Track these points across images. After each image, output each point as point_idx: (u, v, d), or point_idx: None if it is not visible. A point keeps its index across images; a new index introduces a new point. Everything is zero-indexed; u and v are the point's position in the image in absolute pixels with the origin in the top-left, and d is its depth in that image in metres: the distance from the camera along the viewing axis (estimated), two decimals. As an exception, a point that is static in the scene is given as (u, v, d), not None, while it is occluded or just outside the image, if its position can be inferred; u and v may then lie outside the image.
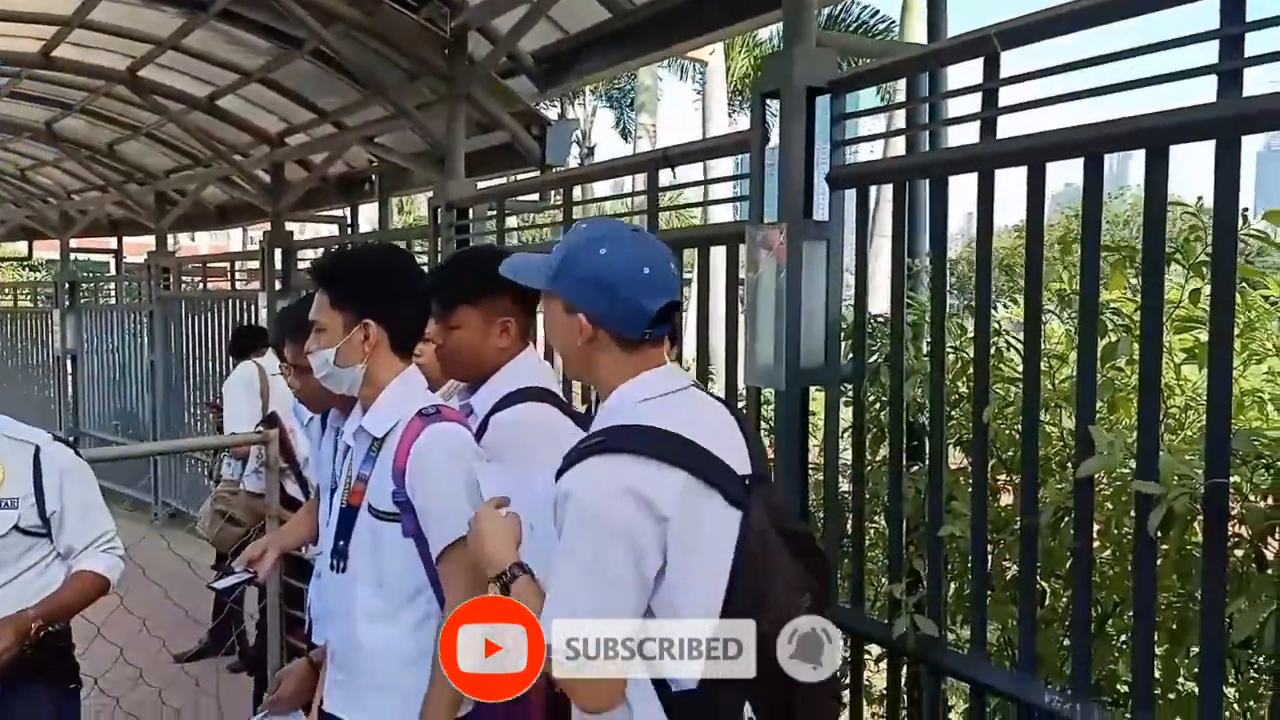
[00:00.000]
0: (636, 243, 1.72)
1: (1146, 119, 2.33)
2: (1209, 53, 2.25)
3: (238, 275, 9.38)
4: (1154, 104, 2.36)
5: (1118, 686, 2.86)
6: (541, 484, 1.75)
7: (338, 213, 10.15)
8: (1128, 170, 27.15)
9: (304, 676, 2.45)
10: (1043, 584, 2.81)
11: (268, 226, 8.84)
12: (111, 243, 14.30)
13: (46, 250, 17.55)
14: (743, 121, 18.26)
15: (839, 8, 14.56)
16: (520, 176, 7.15)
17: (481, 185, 5.92)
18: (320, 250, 8.03)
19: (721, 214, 4.77)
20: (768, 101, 3.23)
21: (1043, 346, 2.68)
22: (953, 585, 3.06)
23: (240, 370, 4.81)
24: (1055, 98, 2.56)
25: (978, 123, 2.75)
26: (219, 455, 4.40)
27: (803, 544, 1.72)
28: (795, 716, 1.66)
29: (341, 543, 2.09)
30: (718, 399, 1.87)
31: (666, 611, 1.58)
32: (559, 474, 1.61)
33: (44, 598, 2.35)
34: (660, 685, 1.59)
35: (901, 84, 3.42)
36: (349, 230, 9.80)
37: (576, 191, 4.54)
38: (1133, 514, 2.48)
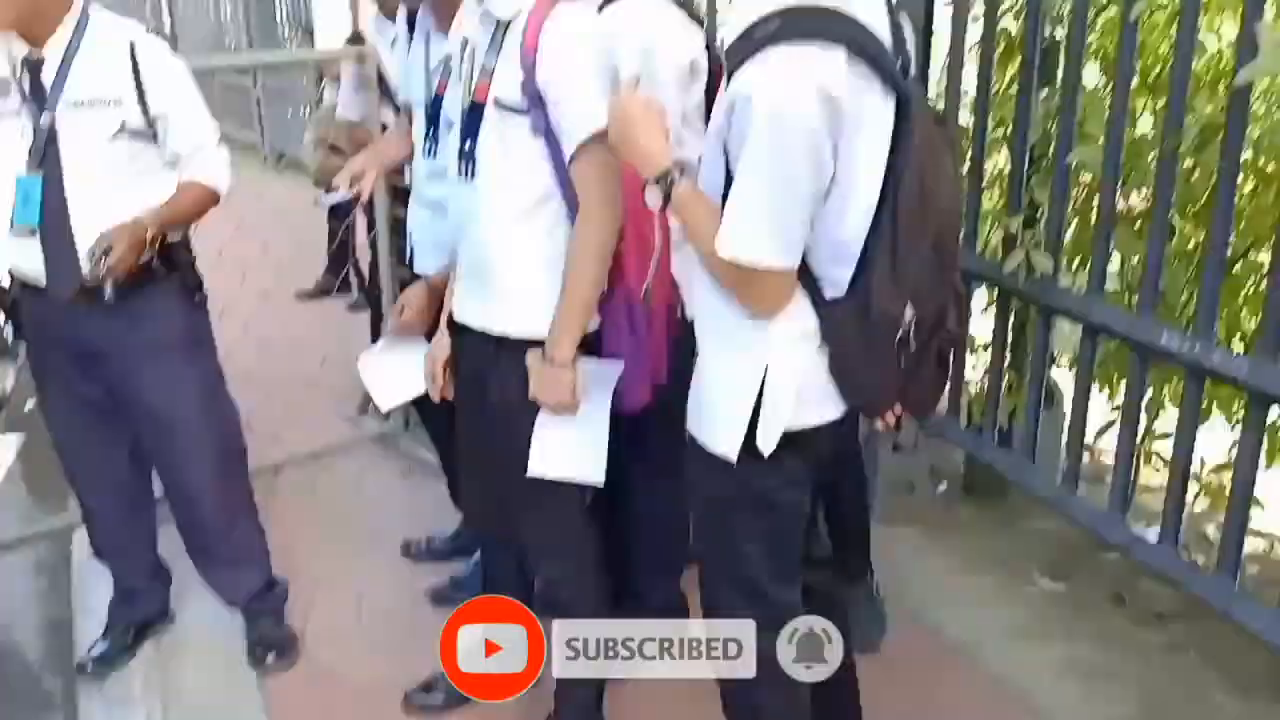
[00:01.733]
0: None
1: None
2: None
3: None
4: None
5: (1241, 331, 2.73)
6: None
7: None
8: None
9: (424, 301, 2.40)
10: (1172, 221, 2.60)
11: None
12: None
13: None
14: None
15: None
16: None
17: None
18: None
19: None
20: None
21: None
22: (1073, 224, 2.87)
23: None
24: None
25: None
26: (321, 85, 4.25)
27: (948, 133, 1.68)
28: (948, 322, 1.65)
29: (469, 143, 1.93)
30: None
31: (829, 212, 1.48)
32: (731, 64, 1.45)
33: (155, 206, 2.25)
34: (811, 290, 1.53)
35: None
36: None
37: None
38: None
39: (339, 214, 4.90)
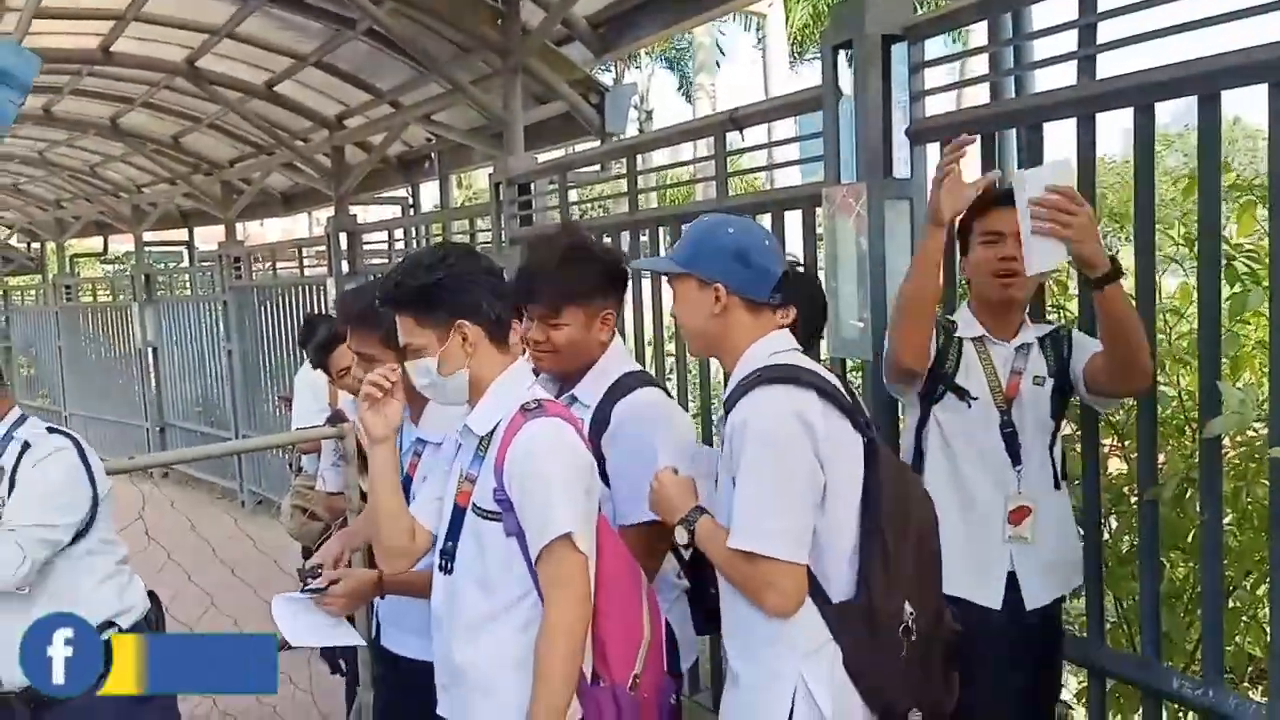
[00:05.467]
0: (751, 223, 2.12)
1: (1265, 50, 2.10)
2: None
3: (306, 260, 9.44)
4: (1267, 34, 2.13)
5: (1247, 664, 2.67)
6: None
7: (399, 193, 10.13)
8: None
9: (366, 586, 2.34)
10: (1163, 558, 2.61)
11: (332, 211, 8.85)
12: (184, 234, 14.55)
13: (123, 244, 17.96)
14: (806, 75, 17.81)
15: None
16: (580, 146, 7.02)
17: (542, 158, 5.79)
18: (385, 233, 8.01)
19: (790, 177, 4.58)
20: (839, 53, 3.05)
21: (1158, 300, 2.49)
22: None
23: (308, 365, 4.74)
24: (1160, 31, 2.33)
25: (1064, 65, 2.55)
26: (300, 455, 4.35)
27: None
28: (945, 619, 1.96)
29: (450, 543, 2.04)
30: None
31: (826, 521, 1.85)
32: (728, 408, 1.89)
33: None
34: (819, 596, 1.83)
35: (975, 28, 3.19)
36: (411, 210, 9.77)
37: (637, 160, 4.38)
38: (1265, 481, 2.29)
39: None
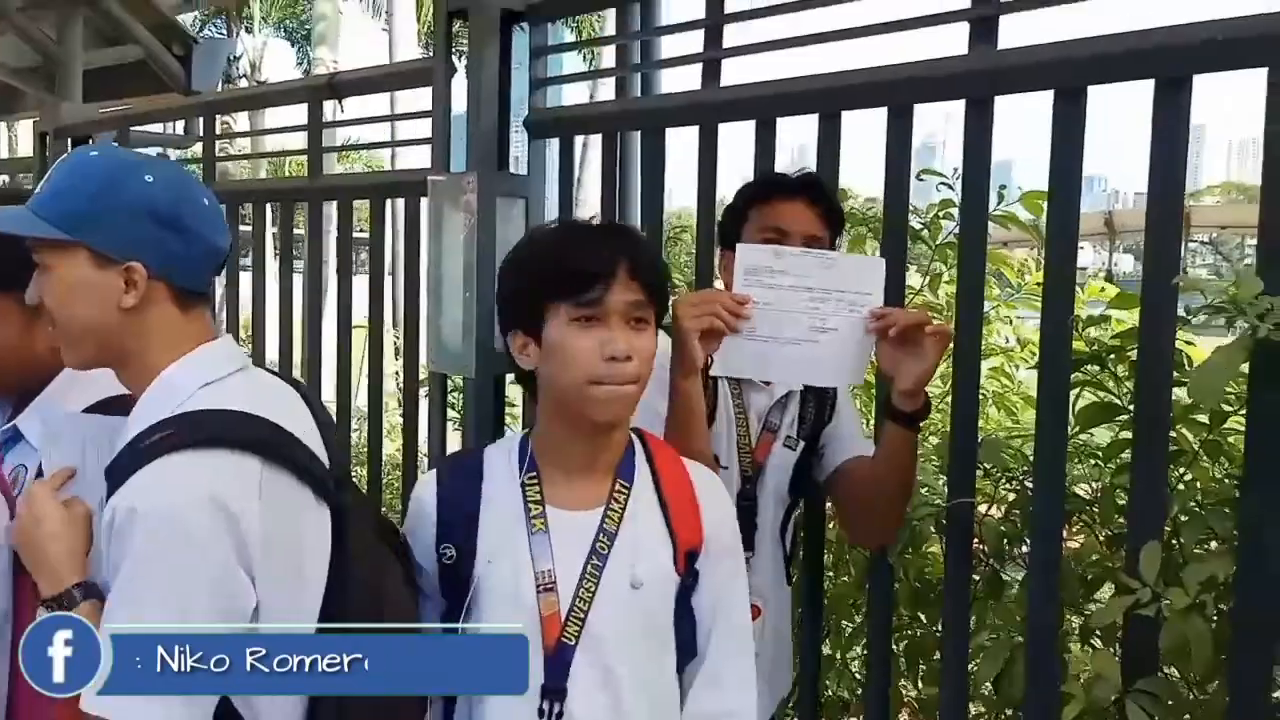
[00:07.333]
0: (180, 170, 1.40)
1: (887, 72, 1.99)
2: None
3: None
4: (903, 54, 2.03)
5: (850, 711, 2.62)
6: None
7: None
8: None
9: None
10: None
11: None
12: None
13: None
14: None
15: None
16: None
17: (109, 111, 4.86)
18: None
19: (415, 159, 4.12)
20: (455, 22, 2.66)
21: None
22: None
23: None
24: (787, 40, 2.17)
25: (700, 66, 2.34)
26: None
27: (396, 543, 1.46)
28: None
29: None
30: (285, 379, 1.46)
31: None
32: (113, 478, 1.21)
33: None
34: None
35: (611, 15, 2.95)
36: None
37: (216, 121, 3.71)
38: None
39: None
